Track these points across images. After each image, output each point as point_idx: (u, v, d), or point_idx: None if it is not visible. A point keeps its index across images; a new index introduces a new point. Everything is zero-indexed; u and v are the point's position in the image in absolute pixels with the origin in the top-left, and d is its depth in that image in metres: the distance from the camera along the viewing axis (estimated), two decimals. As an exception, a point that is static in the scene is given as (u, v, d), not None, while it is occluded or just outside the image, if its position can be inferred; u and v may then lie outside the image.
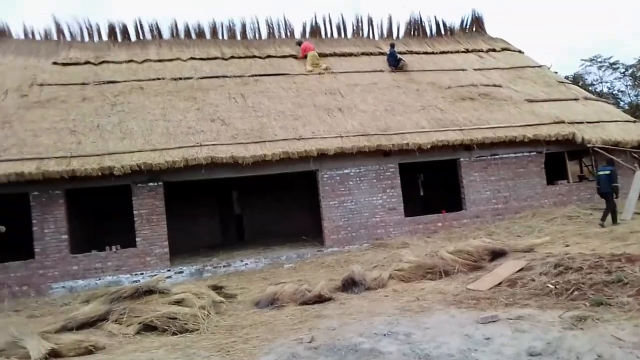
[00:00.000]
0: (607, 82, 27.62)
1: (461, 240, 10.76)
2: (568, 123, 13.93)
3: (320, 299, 7.25)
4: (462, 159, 13.21)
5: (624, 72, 26.97)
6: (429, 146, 12.41)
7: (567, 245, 9.38)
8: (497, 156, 13.46)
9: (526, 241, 10.11)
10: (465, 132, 12.93)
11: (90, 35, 16.01)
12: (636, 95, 26.77)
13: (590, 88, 26.97)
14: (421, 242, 11.30)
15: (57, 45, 15.25)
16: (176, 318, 6.29)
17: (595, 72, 28.07)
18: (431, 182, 18.07)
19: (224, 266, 11.33)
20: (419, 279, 8.08)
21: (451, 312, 6.00)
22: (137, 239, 10.90)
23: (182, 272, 11.08)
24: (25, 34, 15.51)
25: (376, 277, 8.25)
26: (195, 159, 10.70)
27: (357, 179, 12.41)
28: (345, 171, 12.32)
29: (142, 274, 10.78)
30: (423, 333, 5.29)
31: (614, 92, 26.89)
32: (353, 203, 12.33)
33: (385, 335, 5.31)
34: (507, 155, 13.54)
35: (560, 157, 14.42)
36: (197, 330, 6.22)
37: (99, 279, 10.61)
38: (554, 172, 14.92)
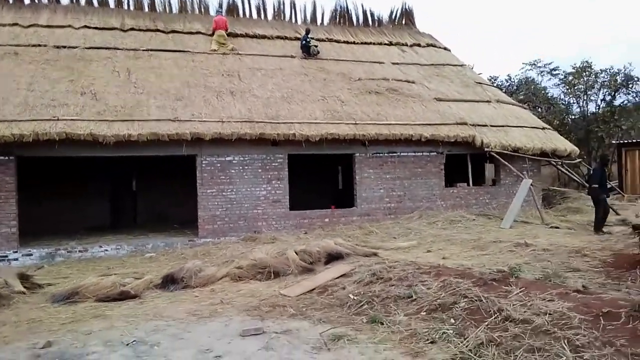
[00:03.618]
0: (544, 87, 27.60)
1: (339, 238, 10.29)
2: (470, 125, 13.62)
3: (121, 296, 6.62)
4: (357, 155, 12.73)
5: (562, 79, 27.04)
6: (317, 138, 11.83)
7: (428, 251, 9.02)
8: (394, 154, 13.03)
9: (391, 244, 9.75)
10: (360, 126, 12.42)
11: (-21, -7, 14.68)
12: (569, 103, 26.92)
13: (543, 92, 26.89)
14: (292, 239, 10.78)
15: None
16: None
17: (534, 77, 28.04)
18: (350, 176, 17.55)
19: (79, 251, 10.52)
20: (250, 278, 7.56)
21: (234, 320, 5.46)
22: (-21, 217, 9.98)
23: (30, 254, 10.21)
24: None
25: (209, 275, 7.69)
26: (47, 133, 9.77)
27: (241, 167, 11.75)
28: (228, 158, 11.64)
29: (-18, 254, 9.88)
30: (170, 345, 4.72)
31: (549, 98, 26.88)
32: (233, 192, 11.68)
33: (127, 345, 4.71)
34: (405, 154, 13.12)
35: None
36: (-53, 325, 5.48)
37: None
38: (464, 174, 14.58)
